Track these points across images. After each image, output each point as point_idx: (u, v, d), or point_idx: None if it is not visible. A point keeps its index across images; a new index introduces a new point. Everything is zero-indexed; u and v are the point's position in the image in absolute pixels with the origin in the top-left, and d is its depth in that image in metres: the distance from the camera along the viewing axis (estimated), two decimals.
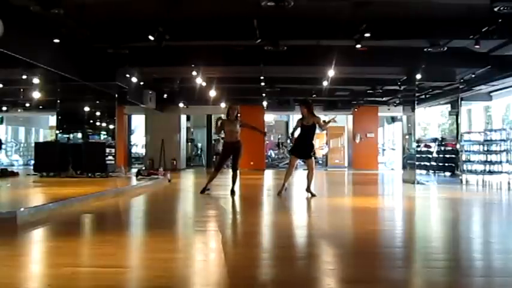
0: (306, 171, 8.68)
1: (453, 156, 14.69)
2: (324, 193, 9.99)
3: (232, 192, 8.48)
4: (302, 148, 8.44)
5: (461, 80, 13.98)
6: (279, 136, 26.32)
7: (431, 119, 24.34)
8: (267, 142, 23.92)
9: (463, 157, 14.06)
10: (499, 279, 3.29)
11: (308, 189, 8.32)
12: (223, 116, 8.96)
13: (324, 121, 8.82)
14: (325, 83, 14.07)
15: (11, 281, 3.07)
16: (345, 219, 6.52)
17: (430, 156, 16.07)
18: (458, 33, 9.57)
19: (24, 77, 13.48)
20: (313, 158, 8.60)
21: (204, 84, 14.43)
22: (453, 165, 14.57)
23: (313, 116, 8.35)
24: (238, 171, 8.71)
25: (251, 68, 13.46)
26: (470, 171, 13.86)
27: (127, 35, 9.99)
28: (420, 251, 4.32)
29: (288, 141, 26.63)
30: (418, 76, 12.52)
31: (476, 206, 8.20)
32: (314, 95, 16.97)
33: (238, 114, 8.66)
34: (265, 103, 19.58)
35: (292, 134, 8.87)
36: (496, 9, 7.41)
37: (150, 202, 8.77)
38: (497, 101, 17.33)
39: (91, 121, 14.81)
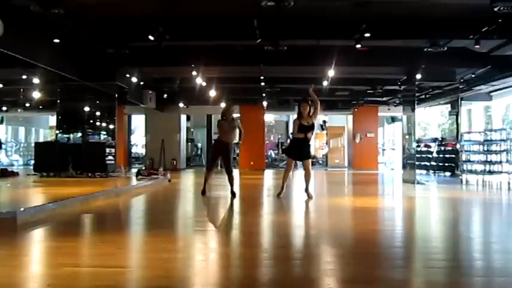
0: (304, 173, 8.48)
1: (453, 156, 14.70)
2: (324, 193, 9.99)
3: (233, 194, 8.36)
4: (299, 149, 8.17)
5: (461, 80, 13.99)
6: (279, 136, 26.31)
7: (431, 119, 24.37)
8: (267, 142, 23.91)
9: (463, 157, 14.05)
10: (499, 279, 3.29)
11: (307, 191, 8.27)
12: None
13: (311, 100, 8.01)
14: (325, 83, 14.07)
15: (11, 281, 3.07)
16: (345, 219, 6.51)
17: (430, 156, 16.07)
18: (458, 33, 9.57)
19: (24, 77, 13.51)
20: (309, 159, 8.26)
21: (204, 84, 14.43)
22: (453, 165, 14.59)
23: (310, 116, 8.14)
24: (233, 174, 8.42)
25: (251, 68, 13.46)
26: (470, 171, 13.84)
27: (127, 35, 9.99)
28: (420, 251, 4.31)
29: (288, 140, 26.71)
30: (418, 76, 12.51)
31: (476, 206, 8.19)
32: None
33: (235, 115, 8.51)
34: (265, 103, 19.57)
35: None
36: (496, 9, 7.42)
37: (150, 202, 8.76)
38: (497, 101, 17.33)
39: (91, 121, 14.82)
